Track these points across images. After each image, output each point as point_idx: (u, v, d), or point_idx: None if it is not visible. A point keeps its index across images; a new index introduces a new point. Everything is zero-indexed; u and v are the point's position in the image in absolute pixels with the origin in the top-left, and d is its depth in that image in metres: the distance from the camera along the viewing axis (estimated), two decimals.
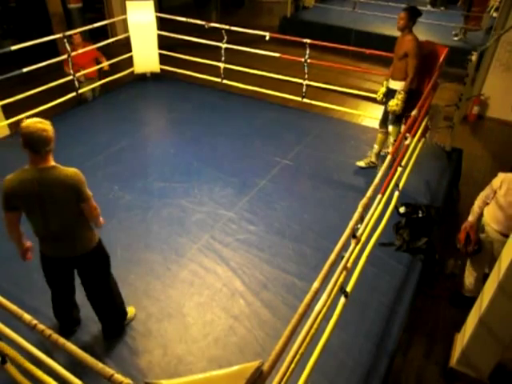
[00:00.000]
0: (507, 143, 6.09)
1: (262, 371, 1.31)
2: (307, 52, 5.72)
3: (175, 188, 4.29)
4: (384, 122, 4.47)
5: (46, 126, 2.11)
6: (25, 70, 5.13)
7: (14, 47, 5.06)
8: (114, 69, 6.31)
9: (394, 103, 4.13)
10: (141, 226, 3.79)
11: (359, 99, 6.59)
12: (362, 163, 4.70)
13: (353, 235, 2.29)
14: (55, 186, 2.17)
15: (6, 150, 5.01)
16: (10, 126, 5.21)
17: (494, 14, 8.23)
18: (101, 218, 2.50)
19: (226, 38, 6.11)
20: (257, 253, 3.53)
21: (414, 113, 3.55)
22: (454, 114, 4.99)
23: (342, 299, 2.32)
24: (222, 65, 6.28)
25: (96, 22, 6.21)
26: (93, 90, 6.10)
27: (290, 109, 6.08)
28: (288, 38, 6.06)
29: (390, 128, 4.44)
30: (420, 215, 3.82)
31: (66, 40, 5.39)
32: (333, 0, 11.97)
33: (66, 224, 2.33)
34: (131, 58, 6.57)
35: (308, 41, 5.64)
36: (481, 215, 3.25)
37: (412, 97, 4.22)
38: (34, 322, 1.70)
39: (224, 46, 6.15)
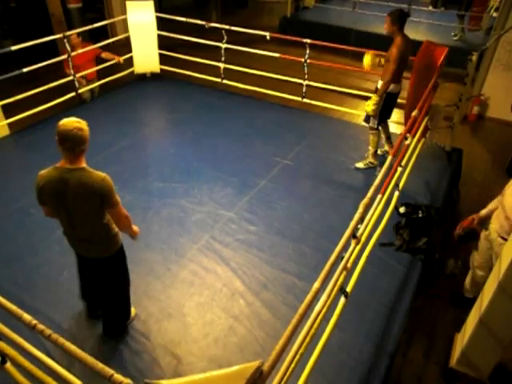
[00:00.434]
0: (507, 143, 6.08)
1: (262, 371, 1.31)
2: (307, 52, 5.72)
3: (175, 188, 4.29)
4: (367, 121, 4.52)
5: (82, 125, 2.12)
6: (25, 70, 5.13)
7: (14, 47, 5.05)
8: (114, 69, 6.32)
9: (367, 103, 4.21)
10: (141, 226, 3.74)
11: (359, 99, 6.58)
12: (360, 164, 4.71)
13: (353, 235, 2.29)
14: (81, 188, 2.15)
15: (6, 150, 5.02)
16: (10, 125, 5.22)
17: (494, 14, 8.23)
18: (135, 227, 2.54)
19: (225, 38, 6.12)
20: (257, 253, 3.53)
21: (414, 113, 3.55)
22: (454, 114, 4.99)
23: (342, 299, 2.32)
24: (221, 65, 6.28)
25: (96, 22, 6.21)
26: (92, 91, 6.10)
27: (290, 109, 6.08)
28: (288, 37, 6.06)
29: (384, 127, 4.50)
30: (420, 215, 3.82)
31: (65, 40, 5.40)
32: (333, 0, 11.97)
33: (89, 227, 2.33)
34: (131, 58, 6.58)
35: (308, 41, 5.64)
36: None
37: (393, 101, 4.26)
38: (34, 322, 1.70)
39: (224, 46, 6.16)
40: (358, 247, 2.41)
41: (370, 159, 4.66)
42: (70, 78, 5.61)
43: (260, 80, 6.36)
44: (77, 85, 5.69)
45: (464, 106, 5.82)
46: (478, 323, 2.66)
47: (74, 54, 5.52)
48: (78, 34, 5.71)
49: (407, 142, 3.47)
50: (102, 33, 7.99)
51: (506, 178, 5.31)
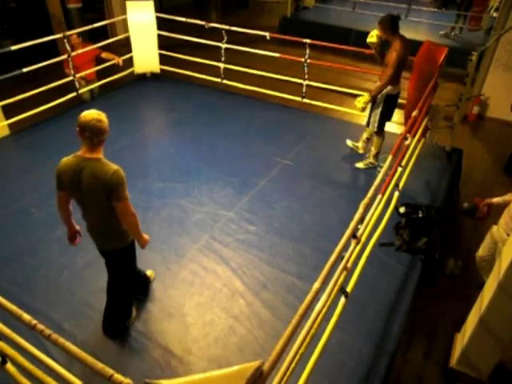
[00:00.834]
0: (507, 143, 6.08)
1: (262, 371, 1.31)
2: (307, 52, 5.72)
3: (175, 188, 4.29)
4: (368, 124, 4.54)
5: (101, 117, 2.23)
6: (25, 70, 5.13)
7: (14, 47, 5.06)
8: (114, 69, 6.31)
9: (358, 99, 4.26)
10: (141, 225, 3.78)
11: None
12: (360, 165, 4.71)
13: (353, 235, 2.29)
14: (93, 178, 2.22)
15: (6, 150, 5.02)
16: (10, 126, 5.21)
17: (494, 14, 8.23)
18: (146, 236, 2.54)
19: (225, 38, 6.12)
20: (257, 253, 3.53)
21: (414, 113, 3.55)
22: (454, 114, 4.98)
23: (342, 299, 2.32)
24: (221, 65, 6.28)
25: (96, 22, 6.21)
26: (92, 91, 6.10)
27: (290, 109, 6.08)
28: (288, 38, 6.06)
29: (364, 136, 4.56)
30: (420, 215, 3.82)
31: (65, 40, 5.39)
32: (333, 0, 11.97)
33: (99, 217, 2.39)
34: (131, 58, 6.58)
35: (308, 41, 5.65)
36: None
37: (394, 103, 4.27)
38: (34, 321, 1.70)
39: (224, 46, 6.16)
40: (358, 247, 2.41)
41: (371, 160, 4.67)
42: (70, 78, 5.61)
43: (260, 80, 6.36)
44: (77, 85, 5.69)
45: (464, 106, 5.82)
46: (478, 323, 2.66)
47: (73, 54, 5.52)
48: (78, 34, 5.71)
49: (407, 142, 3.47)
50: (101, 33, 7.99)
51: (505, 178, 5.34)
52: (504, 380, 2.96)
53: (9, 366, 2.02)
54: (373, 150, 4.64)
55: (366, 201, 2.43)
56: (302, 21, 10.11)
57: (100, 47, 6.03)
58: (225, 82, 6.38)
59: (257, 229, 3.79)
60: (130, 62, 6.57)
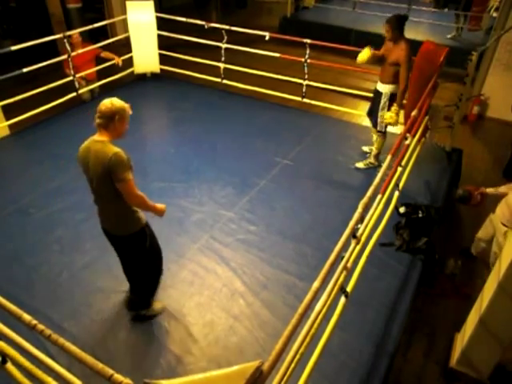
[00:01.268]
0: (507, 143, 6.08)
1: (262, 371, 1.31)
2: (307, 52, 5.72)
3: (175, 188, 4.29)
4: (375, 125, 4.51)
5: (112, 102, 2.33)
6: (25, 70, 5.13)
7: (14, 47, 5.05)
8: (114, 69, 6.31)
9: (388, 116, 4.20)
10: None
11: (359, 99, 6.58)
12: (360, 164, 4.71)
13: (353, 235, 2.29)
14: (96, 159, 2.30)
15: (6, 150, 5.02)
16: (10, 126, 5.21)
17: (494, 14, 8.23)
18: (159, 206, 2.58)
19: (225, 38, 6.11)
20: (257, 253, 3.52)
21: (414, 113, 3.55)
22: (454, 114, 4.98)
23: (343, 299, 2.31)
24: (221, 65, 6.28)
25: (96, 22, 6.21)
26: (92, 91, 6.10)
27: (290, 109, 6.08)
28: (288, 38, 6.06)
29: (374, 137, 4.56)
30: (420, 215, 3.82)
31: (65, 40, 5.39)
32: (333, 0, 11.98)
33: (104, 200, 2.43)
34: (131, 58, 6.58)
35: (308, 41, 5.64)
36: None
37: (392, 101, 4.28)
38: (34, 321, 1.70)
39: (224, 46, 6.16)
40: (358, 247, 2.41)
41: (371, 160, 4.67)
42: (70, 78, 5.61)
43: (260, 80, 6.36)
44: (76, 85, 5.69)
45: (464, 106, 5.82)
46: (478, 323, 2.66)
47: (73, 54, 5.52)
48: (80, 34, 5.71)
49: (407, 142, 3.47)
50: (101, 33, 7.99)
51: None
52: (504, 380, 2.95)
53: (9, 365, 2.02)
54: (374, 150, 4.64)
55: (365, 200, 2.42)
56: (301, 21, 10.11)
57: (100, 47, 6.03)
58: (225, 81, 6.38)
59: (257, 229, 3.79)
60: (130, 62, 6.57)
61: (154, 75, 6.85)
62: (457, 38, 8.87)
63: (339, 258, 2.07)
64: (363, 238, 2.48)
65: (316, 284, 1.80)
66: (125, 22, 6.63)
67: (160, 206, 2.62)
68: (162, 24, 6.68)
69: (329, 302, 2.08)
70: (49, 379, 1.90)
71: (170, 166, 4.65)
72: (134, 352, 2.74)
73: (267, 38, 5.94)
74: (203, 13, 12.11)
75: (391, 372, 2.76)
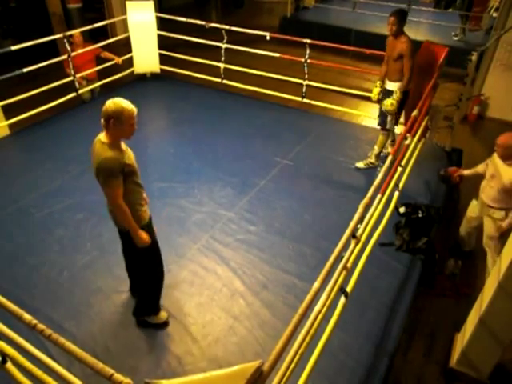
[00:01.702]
0: None
1: (262, 371, 1.31)
2: (307, 52, 5.72)
3: (175, 188, 4.29)
4: (382, 124, 4.49)
5: (114, 101, 2.34)
6: (25, 70, 5.13)
7: (14, 47, 5.06)
8: (114, 69, 6.32)
9: (389, 103, 4.18)
10: None
11: (359, 99, 6.58)
12: (361, 164, 4.70)
13: (353, 235, 2.29)
14: (94, 158, 2.33)
15: (6, 150, 5.02)
16: (11, 126, 5.22)
17: (494, 14, 8.23)
18: (142, 234, 2.45)
19: (226, 37, 6.12)
20: (257, 253, 3.53)
21: (414, 113, 3.55)
22: (454, 114, 4.99)
23: (342, 299, 2.32)
24: (221, 65, 6.28)
25: (96, 22, 6.21)
26: (92, 91, 6.10)
27: (290, 109, 6.08)
28: (288, 38, 6.06)
29: (393, 129, 4.48)
30: (420, 215, 3.82)
31: (66, 40, 5.40)
32: (333, 0, 11.97)
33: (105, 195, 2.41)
34: (131, 58, 6.58)
35: (308, 41, 5.64)
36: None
37: (406, 98, 4.25)
38: (34, 321, 1.70)
39: (224, 45, 6.16)
40: (358, 247, 2.41)
41: (372, 159, 4.66)
42: (71, 78, 5.61)
43: (260, 80, 6.36)
44: (77, 85, 5.69)
45: (464, 106, 5.82)
46: (478, 323, 2.66)
47: (74, 54, 5.52)
48: (81, 34, 5.72)
49: (407, 142, 3.47)
50: (101, 33, 7.99)
51: None
52: (504, 380, 2.96)
53: (9, 365, 2.02)
54: (376, 149, 4.63)
55: (365, 201, 2.43)
56: (302, 21, 10.11)
57: (100, 47, 6.03)
58: (225, 81, 6.38)
59: (257, 229, 3.79)
60: (130, 62, 6.57)
61: (153, 75, 6.85)
62: (462, 39, 8.83)
63: (339, 257, 2.07)
64: (363, 238, 2.48)
65: (316, 284, 1.80)
66: (125, 21, 6.63)
67: (143, 234, 2.48)
68: (162, 24, 6.68)
69: (328, 302, 2.08)
70: (49, 379, 1.90)
71: (169, 166, 4.65)
72: (134, 352, 2.74)
73: (268, 37, 5.94)
74: (203, 13, 12.12)
75: (391, 372, 2.76)
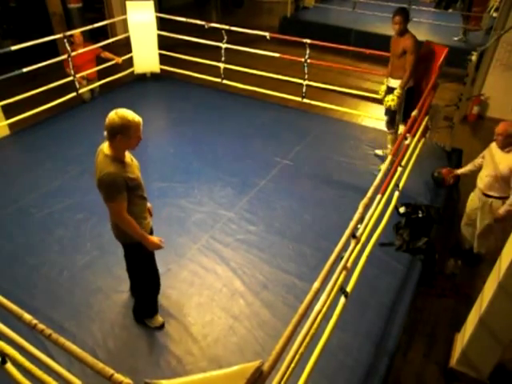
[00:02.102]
0: None
1: (262, 371, 1.31)
2: (307, 52, 5.72)
3: (175, 188, 4.29)
4: (390, 123, 4.48)
5: (119, 116, 2.16)
6: (25, 70, 5.13)
7: (14, 47, 5.06)
8: (114, 69, 6.32)
9: (390, 98, 4.20)
10: None
11: (359, 99, 6.58)
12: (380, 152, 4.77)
13: (353, 235, 2.29)
14: (96, 169, 2.28)
15: (6, 150, 5.02)
16: (11, 125, 5.22)
17: (494, 14, 8.22)
18: (153, 238, 2.46)
19: (226, 37, 6.12)
20: (257, 253, 3.52)
21: (414, 113, 3.55)
22: (454, 114, 4.99)
23: (342, 299, 2.32)
24: (221, 65, 6.28)
25: (96, 22, 6.21)
26: (92, 90, 6.10)
27: (290, 109, 6.08)
28: (288, 38, 6.06)
29: (401, 128, 4.49)
30: (420, 215, 3.82)
31: (66, 40, 5.40)
32: (333, 0, 11.97)
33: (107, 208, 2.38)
34: (131, 58, 6.58)
35: (308, 41, 5.64)
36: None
37: (412, 95, 4.24)
38: (34, 321, 1.70)
39: (224, 45, 6.16)
40: (358, 247, 2.41)
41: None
42: (71, 78, 5.61)
43: (260, 80, 6.36)
44: (77, 85, 5.69)
45: (464, 106, 5.81)
46: (478, 323, 2.66)
47: (74, 53, 5.52)
48: (81, 34, 5.72)
49: (407, 142, 3.47)
50: (101, 33, 7.99)
51: None
52: (504, 380, 2.96)
53: (9, 365, 2.02)
54: (389, 147, 4.64)
55: (365, 201, 2.43)
56: (301, 21, 10.10)
57: (100, 47, 6.03)
58: (225, 81, 6.38)
59: (257, 229, 3.79)
60: (130, 62, 6.57)
61: (153, 75, 6.85)
62: (462, 39, 8.82)
63: (339, 257, 2.07)
64: (363, 238, 2.48)
65: (316, 284, 1.80)
66: (125, 22, 6.63)
67: (153, 238, 2.48)
68: (162, 24, 6.68)
69: (328, 302, 2.08)
70: (49, 379, 1.90)
71: (169, 166, 4.65)
72: (134, 352, 2.74)
73: (268, 37, 5.94)
74: (203, 13, 12.12)
75: (391, 372, 2.76)
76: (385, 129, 4.78)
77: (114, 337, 2.83)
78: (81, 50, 5.63)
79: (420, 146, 4.17)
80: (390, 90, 4.32)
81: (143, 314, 2.90)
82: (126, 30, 6.76)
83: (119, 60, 6.09)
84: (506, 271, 2.42)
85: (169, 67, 6.74)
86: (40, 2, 7.87)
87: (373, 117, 5.60)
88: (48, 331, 1.66)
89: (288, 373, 1.70)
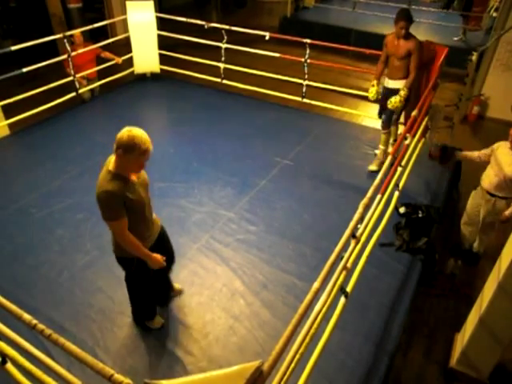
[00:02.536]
0: None
1: (262, 371, 1.31)
2: (307, 52, 5.72)
3: (175, 188, 4.29)
4: (387, 123, 4.47)
5: (129, 135, 2.13)
6: (25, 70, 5.13)
7: (14, 47, 5.06)
8: (114, 69, 6.32)
9: (397, 100, 4.11)
10: None
11: (359, 99, 6.58)
12: (373, 167, 4.63)
13: (353, 235, 2.29)
14: (97, 183, 2.19)
15: (6, 150, 5.02)
16: (10, 125, 5.22)
17: (494, 14, 8.23)
18: (155, 255, 2.38)
19: (226, 37, 6.12)
20: (257, 253, 3.53)
21: (414, 113, 3.55)
22: (454, 114, 4.99)
23: (342, 299, 2.32)
24: (221, 65, 6.28)
25: (96, 22, 6.21)
26: (92, 90, 6.11)
27: (290, 109, 6.08)
28: (288, 37, 6.06)
29: (393, 128, 4.47)
30: (420, 215, 3.82)
31: (66, 40, 5.40)
32: (333, 0, 11.98)
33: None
34: (131, 58, 6.58)
35: (308, 41, 5.64)
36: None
37: (409, 95, 4.24)
38: (34, 321, 1.70)
39: (224, 45, 6.16)
40: (358, 247, 2.41)
41: (381, 158, 4.62)
42: (70, 78, 5.62)
43: (260, 80, 6.36)
44: (77, 85, 5.69)
45: (464, 106, 5.83)
46: (478, 323, 2.67)
47: (74, 53, 5.52)
48: (82, 34, 5.72)
49: (407, 142, 3.47)
50: (101, 33, 7.99)
51: None
52: (504, 380, 2.96)
53: (9, 365, 2.02)
54: (381, 147, 4.61)
55: (365, 201, 2.43)
56: (302, 21, 10.11)
57: (100, 47, 6.03)
58: (225, 82, 6.38)
59: (257, 229, 3.79)
60: (130, 62, 6.57)
61: (153, 75, 6.85)
62: (462, 39, 8.81)
63: (339, 257, 2.07)
64: (363, 238, 2.48)
65: (316, 284, 1.80)
66: (125, 22, 6.63)
67: (155, 256, 2.40)
68: (162, 24, 6.68)
69: (328, 302, 2.08)
70: (49, 379, 1.90)
71: (169, 167, 4.65)
72: (134, 352, 2.74)
73: (267, 37, 5.94)
74: (203, 13, 12.12)
75: (391, 372, 2.76)
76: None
77: (114, 337, 2.83)
78: (81, 50, 5.63)
79: (420, 146, 4.17)
80: (388, 91, 4.28)
81: (142, 318, 2.89)
82: (125, 30, 6.77)
83: (119, 60, 6.10)
84: (506, 271, 2.42)
85: (169, 67, 6.74)
86: (40, 1, 7.87)
87: (373, 117, 5.59)
88: (48, 331, 1.66)
89: (288, 373, 1.70)
